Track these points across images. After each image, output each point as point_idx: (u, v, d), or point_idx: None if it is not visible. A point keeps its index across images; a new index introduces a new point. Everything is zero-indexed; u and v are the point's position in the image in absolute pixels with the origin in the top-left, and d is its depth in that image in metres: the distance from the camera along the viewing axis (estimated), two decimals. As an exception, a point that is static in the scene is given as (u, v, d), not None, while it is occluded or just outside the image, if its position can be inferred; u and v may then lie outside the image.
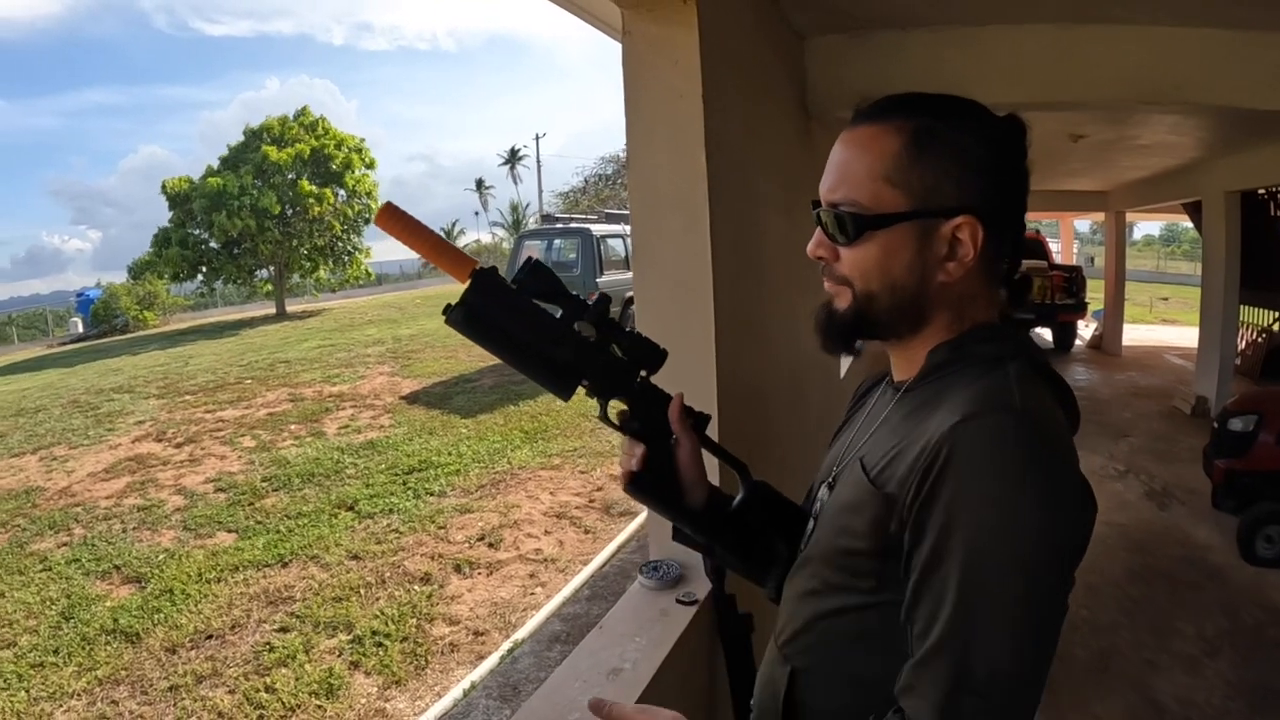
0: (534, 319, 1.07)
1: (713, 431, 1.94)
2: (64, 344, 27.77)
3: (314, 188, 26.63)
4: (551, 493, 7.67)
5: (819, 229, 1.01)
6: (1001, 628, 0.81)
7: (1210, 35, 3.22)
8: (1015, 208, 1.00)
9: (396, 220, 1.05)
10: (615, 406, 1.18)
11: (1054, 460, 0.84)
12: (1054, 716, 3.43)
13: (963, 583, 0.81)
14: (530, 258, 1.16)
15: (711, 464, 1.26)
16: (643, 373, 1.16)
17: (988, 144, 0.96)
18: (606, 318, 1.11)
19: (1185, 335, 12.24)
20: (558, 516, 7.09)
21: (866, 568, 0.94)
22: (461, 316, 1.04)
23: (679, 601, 2.00)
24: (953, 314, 0.98)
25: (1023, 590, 0.81)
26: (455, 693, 4.51)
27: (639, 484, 1.17)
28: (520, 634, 5.07)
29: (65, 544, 7.21)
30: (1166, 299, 24.54)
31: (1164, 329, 16.88)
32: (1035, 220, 20.80)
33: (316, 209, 26.63)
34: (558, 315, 1.10)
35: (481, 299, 1.05)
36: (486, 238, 55.72)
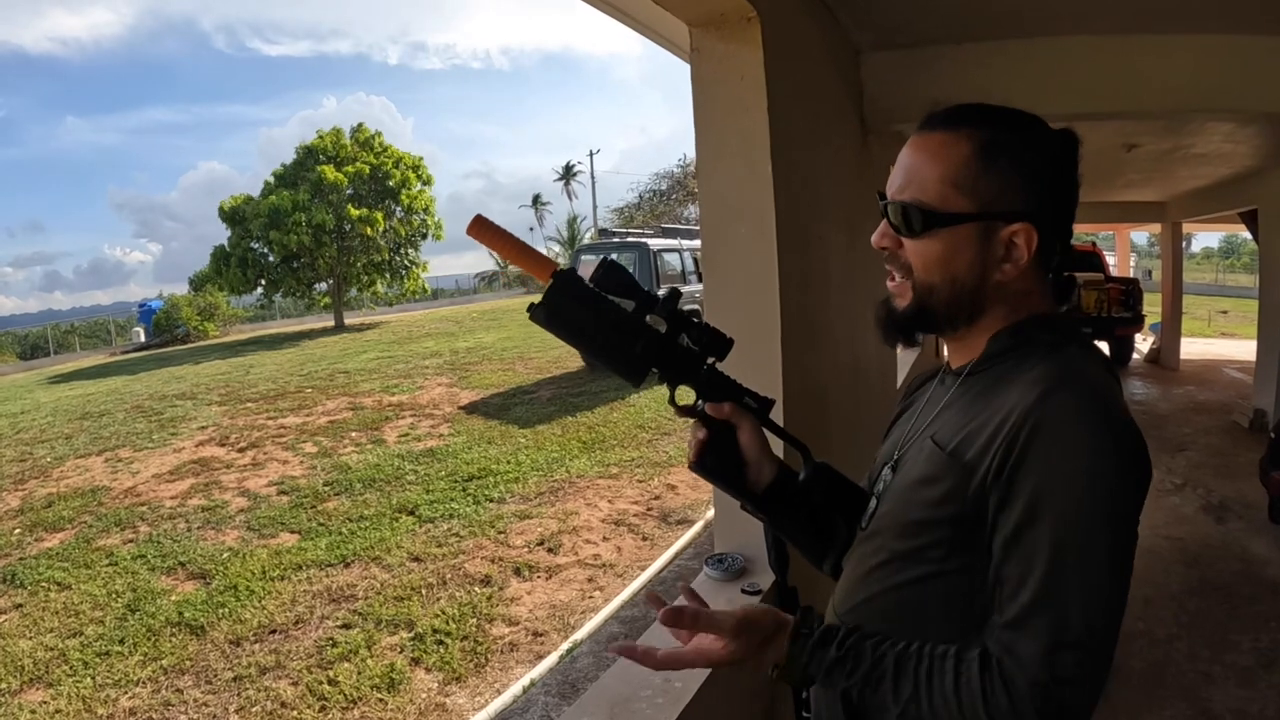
0: (609, 313, 1.16)
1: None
2: (126, 352, 28.43)
3: (363, 211, 26.95)
4: (609, 501, 7.75)
5: (884, 221, 1.09)
6: (1094, 585, 0.89)
7: (1261, 42, 3.22)
8: (1066, 215, 1.07)
9: (485, 229, 1.17)
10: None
11: (1126, 429, 0.93)
12: (1107, 727, 3.44)
13: (1055, 543, 0.89)
14: (606, 257, 1.25)
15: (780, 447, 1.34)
16: (710, 360, 1.23)
17: (1046, 157, 1.04)
18: (676, 310, 1.19)
19: (1244, 349, 12.00)
20: (616, 524, 7.16)
21: (938, 537, 1.01)
22: (544, 313, 1.15)
23: (744, 592, 2.08)
24: (1008, 308, 1.06)
25: (1110, 548, 0.90)
26: (515, 689, 4.59)
27: (702, 463, 1.24)
28: (579, 635, 5.14)
29: (131, 540, 7.45)
30: (1226, 312, 24.06)
31: (1223, 342, 16.56)
32: (1091, 233, 20.51)
33: (368, 230, 26.96)
34: (632, 309, 1.20)
35: (561, 297, 1.15)
36: (542, 252, 55.94)
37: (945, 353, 1.19)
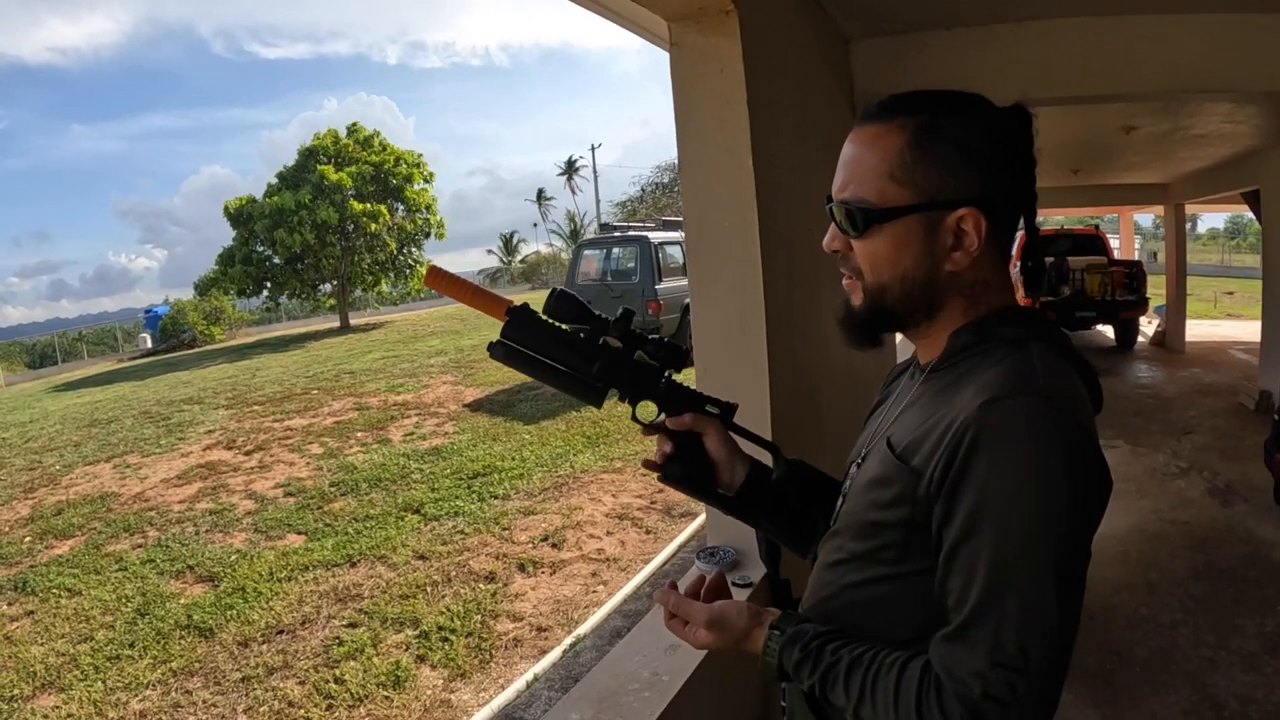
0: (563, 342, 1.21)
1: (763, 421, 2.03)
2: (133, 358, 28.50)
3: (367, 206, 26.85)
4: (613, 495, 7.73)
5: (833, 223, 1.07)
6: (1030, 603, 0.86)
7: (1257, 21, 3.20)
8: (1021, 196, 1.03)
9: (440, 278, 1.24)
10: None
11: (1075, 440, 0.88)
12: (1111, 714, 3.42)
13: (993, 560, 0.86)
14: (555, 289, 1.28)
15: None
16: (669, 373, 1.27)
17: (989, 138, 0.99)
18: (629, 330, 1.23)
19: (1251, 330, 11.93)
20: (619, 518, 7.15)
21: (891, 540, 0.99)
22: (501, 351, 1.21)
23: (735, 584, 2.08)
24: (966, 300, 1.03)
25: (1050, 566, 0.86)
26: (519, 684, 4.59)
27: (669, 473, 1.27)
28: (582, 629, 5.14)
29: (140, 545, 7.47)
30: (1232, 293, 23.88)
31: (1229, 324, 16.44)
32: (1095, 216, 20.43)
33: (373, 226, 26.94)
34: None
35: (517, 333, 1.21)
36: (545, 248, 56.12)
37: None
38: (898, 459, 0.99)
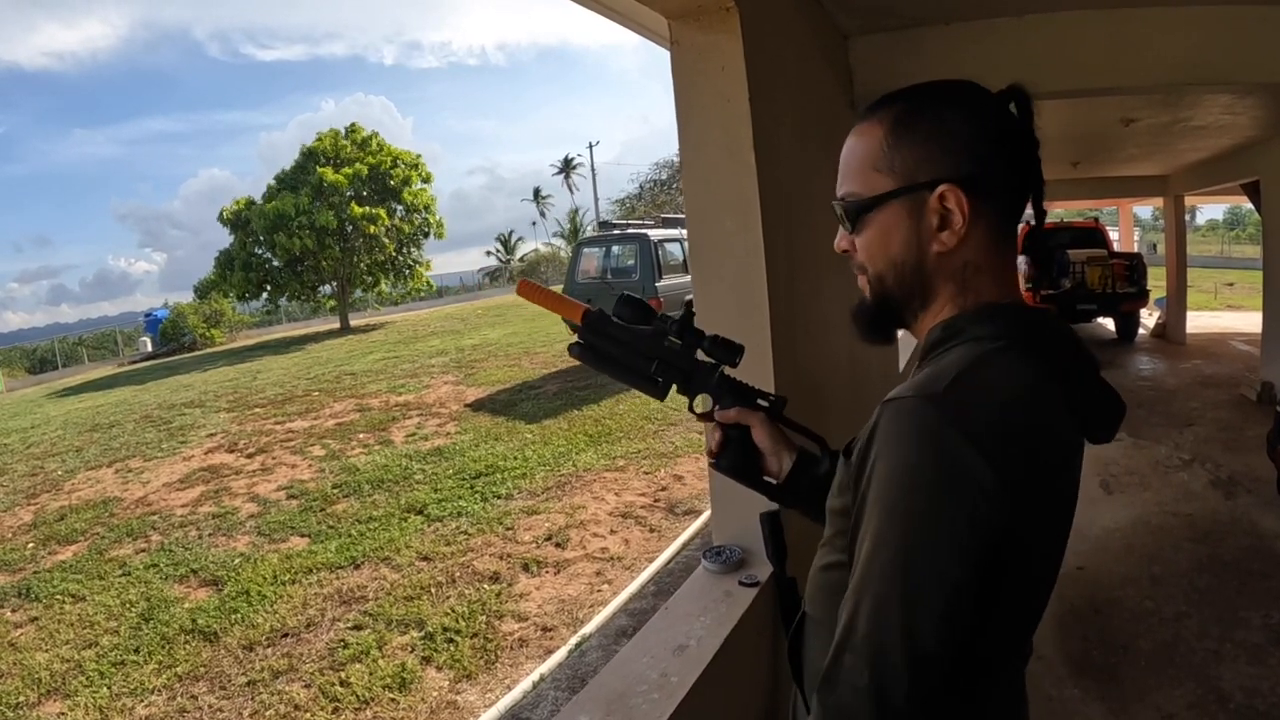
0: (631, 341, 1.34)
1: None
2: (134, 362, 28.57)
3: (366, 209, 26.89)
4: (616, 494, 7.72)
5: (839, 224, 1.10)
6: (874, 595, 0.85)
7: (1257, 12, 3.18)
8: (1011, 177, 1.01)
9: (531, 290, 1.39)
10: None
11: (945, 448, 0.85)
12: (1116, 708, 3.42)
13: (865, 553, 0.88)
14: (623, 294, 1.40)
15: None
16: (723, 368, 1.35)
17: (969, 119, 0.99)
18: (690, 328, 1.34)
19: (1252, 321, 11.90)
20: (623, 516, 7.13)
21: (841, 526, 1.00)
22: (579, 350, 1.34)
23: (741, 584, 2.07)
24: (956, 286, 1.01)
25: (900, 563, 0.84)
26: (524, 685, 4.58)
27: (719, 464, 1.37)
28: (588, 629, 5.13)
29: (143, 550, 7.47)
30: (1232, 284, 23.86)
31: (1230, 315, 16.42)
32: (1095, 208, 20.41)
33: (372, 228, 26.93)
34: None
35: (591, 334, 1.34)
36: (544, 247, 56.22)
37: None
38: (843, 454, 1.04)
